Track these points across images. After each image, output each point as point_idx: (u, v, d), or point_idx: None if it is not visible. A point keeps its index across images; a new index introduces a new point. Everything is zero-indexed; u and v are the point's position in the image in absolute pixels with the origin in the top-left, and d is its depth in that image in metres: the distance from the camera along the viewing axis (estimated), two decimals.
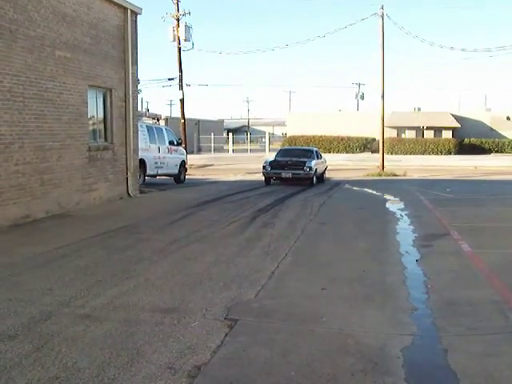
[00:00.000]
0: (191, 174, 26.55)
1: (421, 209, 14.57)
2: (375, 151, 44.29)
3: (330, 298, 6.29)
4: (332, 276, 7.30)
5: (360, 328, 5.31)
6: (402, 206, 15.20)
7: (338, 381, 4.16)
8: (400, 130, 53.56)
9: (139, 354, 4.58)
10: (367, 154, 48.97)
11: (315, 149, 25.18)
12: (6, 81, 10.89)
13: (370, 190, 20.09)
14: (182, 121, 35.65)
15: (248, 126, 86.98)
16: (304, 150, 25.79)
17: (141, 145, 17.90)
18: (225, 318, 5.51)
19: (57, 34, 12.56)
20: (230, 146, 58.55)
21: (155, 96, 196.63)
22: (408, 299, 6.31)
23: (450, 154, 49.23)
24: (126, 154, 16.04)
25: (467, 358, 4.59)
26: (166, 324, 5.31)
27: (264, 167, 21.99)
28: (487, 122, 54.00)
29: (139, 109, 21.22)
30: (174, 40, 34.97)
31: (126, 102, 15.90)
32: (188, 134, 37.40)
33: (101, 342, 4.81)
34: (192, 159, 36.84)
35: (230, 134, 62.52)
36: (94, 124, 14.82)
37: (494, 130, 53.38)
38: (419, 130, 53.36)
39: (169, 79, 37.09)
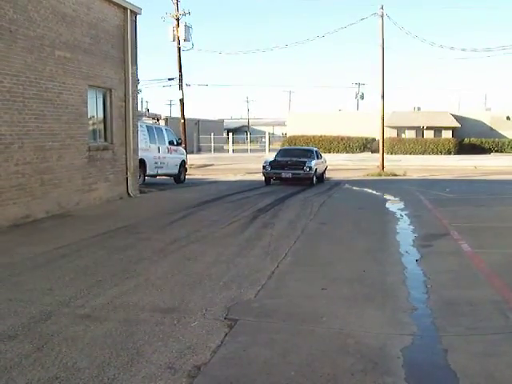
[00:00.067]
0: (191, 174, 26.55)
1: (421, 209, 14.57)
2: (375, 151, 44.31)
3: (330, 298, 6.29)
4: (332, 276, 7.30)
5: (360, 328, 5.31)
6: (402, 206, 15.20)
7: (338, 381, 4.16)
8: (400, 129, 53.57)
9: (139, 353, 4.58)
10: (367, 154, 48.99)
11: (315, 149, 25.19)
12: (6, 81, 10.89)
13: (369, 190, 20.09)
14: (182, 121, 35.65)
15: (248, 126, 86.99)
16: (304, 149, 25.79)
17: (141, 145, 17.91)
18: (225, 318, 5.51)
19: (56, 34, 12.56)
20: (230, 146, 58.55)
21: (155, 96, 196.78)
22: (408, 299, 6.31)
23: (449, 153, 49.26)
24: (126, 154, 16.04)
25: (467, 358, 4.59)
26: (166, 324, 5.31)
27: (264, 167, 21.99)
28: (487, 121, 54.00)
29: (139, 109, 21.24)
30: (174, 40, 34.97)
31: (125, 101, 15.91)
32: (188, 133, 37.40)
33: (101, 342, 4.82)
34: (192, 159, 36.84)
35: (230, 134, 62.53)
36: (93, 124, 14.82)
37: (494, 130, 53.39)
38: (419, 130, 53.38)
39: (169, 79, 37.10)
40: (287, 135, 58.10)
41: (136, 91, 17.08)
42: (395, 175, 27.91)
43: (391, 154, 46.13)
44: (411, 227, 11.60)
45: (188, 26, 34.74)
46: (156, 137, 21.27)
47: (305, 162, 21.54)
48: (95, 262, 7.94)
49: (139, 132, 17.63)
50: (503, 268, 7.72)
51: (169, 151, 22.17)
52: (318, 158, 22.98)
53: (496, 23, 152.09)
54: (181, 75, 35.41)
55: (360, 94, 73.54)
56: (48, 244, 9.16)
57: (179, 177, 23.03)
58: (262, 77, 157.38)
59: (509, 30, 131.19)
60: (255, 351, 4.69)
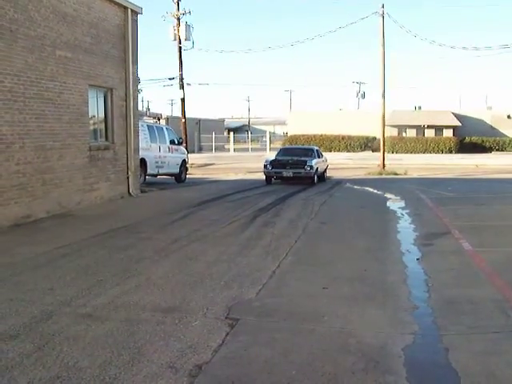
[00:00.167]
0: (192, 174, 26.55)
1: (422, 207, 14.56)
2: (376, 150, 44.26)
3: (331, 297, 6.29)
4: (333, 275, 7.30)
5: (361, 327, 5.31)
6: (403, 205, 15.20)
7: (339, 380, 4.17)
8: (401, 128, 53.55)
9: (140, 353, 4.59)
10: (368, 153, 48.96)
11: (316, 148, 25.17)
12: (7, 81, 10.90)
13: (370, 189, 20.08)
14: (183, 120, 35.64)
15: (249, 125, 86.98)
16: (305, 148, 25.79)
17: (142, 144, 17.91)
18: (226, 318, 5.51)
19: (57, 34, 12.57)
20: (231, 145, 58.55)
21: (156, 95, 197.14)
22: (409, 298, 6.31)
23: (450, 152, 49.25)
24: (127, 154, 16.05)
25: (468, 357, 4.59)
26: (167, 323, 5.32)
27: (265, 166, 21.99)
28: (488, 120, 53.96)
29: (140, 108, 21.24)
30: (175, 39, 34.95)
31: (126, 101, 15.91)
32: (189, 133, 37.40)
33: (102, 342, 4.82)
34: (193, 158, 36.83)
35: (231, 133, 62.56)
36: (94, 123, 14.83)
37: (495, 129, 53.36)
38: (420, 129, 53.36)
39: (169, 79, 37.12)
40: (288, 134, 58.11)
41: (137, 91, 17.09)
42: (396, 174, 27.89)
43: (392, 152, 46.11)
44: (412, 226, 11.59)
45: (189, 26, 34.73)
46: (157, 136, 21.28)
47: (306, 161, 21.53)
48: (96, 261, 7.95)
49: (140, 131, 17.63)
50: (504, 267, 7.72)
51: (170, 150, 22.16)
52: (318, 157, 22.98)
53: (496, 22, 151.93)
54: (181, 74, 35.42)
55: (361, 92, 73.53)
56: (49, 244, 9.16)
57: (180, 176, 23.03)
58: (263, 76, 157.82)
59: (509, 28, 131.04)
60: (256, 350, 4.70)
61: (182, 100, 35.86)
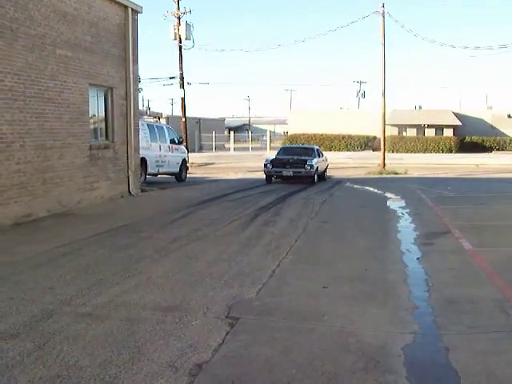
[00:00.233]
0: (192, 173, 26.54)
1: (422, 207, 14.56)
2: (376, 149, 44.25)
3: (331, 297, 6.29)
4: (333, 274, 7.30)
5: (361, 326, 5.31)
6: (403, 204, 15.20)
7: (339, 379, 4.17)
8: (401, 128, 53.53)
9: (140, 352, 4.59)
10: (368, 152, 48.94)
11: (316, 147, 25.17)
12: (7, 80, 10.90)
13: (371, 189, 20.08)
14: (183, 119, 35.61)
15: (249, 125, 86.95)
16: (305, 148, 25.79)
17: (142, 143, 17.91)
18: (226, 317, 5.51)
19: (57, 33, 12.56)
20: (231, 145, 58.52)
21: (156, 95, 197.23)
22: (409, 297, 6.31)
23: (451, 152, 49.23)
24: (127, 153, 16.05)
25: (468, 356, 4.59)
26: (168, 322, 5.32)
27: (265, 165, 21.99)
28: (488, 119, 53.92)
29: (140, 107, 21.23)
30: (175, 38, 34.91)
31: (126, 100, 15.91)
32: (189, 132, 37.37)
33: (102, 341, 4.82)
34: (193, 158, 36.84)
35: (231, 133, 62.50)
36: (95, 123, 14.83)
37: (496, 128, 53.31)
38: (420, 128, 53.34)
39: (170, 78, 37.07)
40: (288, 133, 58.07)
41: (137, 90, 17.09)
42: (396, 173, 27.89)
43: (392, 152, 46.09)
44: (412, 225, 11.59)
45: (189, 25, 34.69)
46: (157, 135, 21.27)
47: (306, 161, 21.53)
48: (96, 260, 7.95)
49: (140, 130, 17.63)
50: (504, 266, 7.72)
51: (170, 150, 22.15)
52: (319, 157, 22.98)
53: (497, 21, 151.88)
54: (182, 74, 35.38)
55: (361, 92, 73.50)
56: (49, 243, 9.17)
57: (180, 175, 23.02)
58: (263, 75, 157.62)
59: (510, 28, 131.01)
60: (256, 350, 4.70)
61: (183, 99, 35.83)
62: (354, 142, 53.83)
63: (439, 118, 52.53)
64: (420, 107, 59.08)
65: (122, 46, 15.64)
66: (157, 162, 20.76)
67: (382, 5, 29.39)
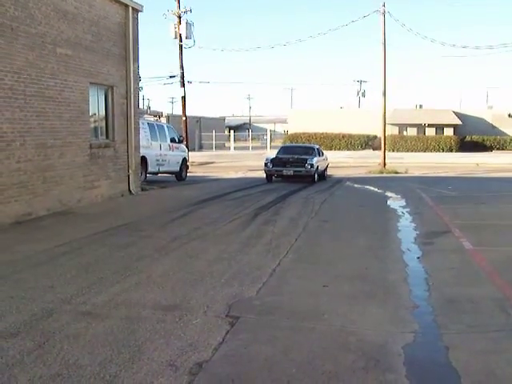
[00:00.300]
0: (192, 172, 26.55)
1: (422, 206, 14.56)
2: (377, 148, 44.25)
3: (332, 296, 6.29)
4: (333, 273, 7.30)
5: (361, 325, 5.31)
6: (404, 204, 15.19)
7: (339, 378, 4.17)
8: (402, 127, 53.53)
9: (141, 351, 4.59)
10: (369, 152, 48.94)
11: (317, 146, 25.16)
12: (8, 78, 10.89)
13: (371, 188, 20.08)
14: (184, 118, 35.58)
15: (249, 124, 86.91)
16: (305, 147, 25.79)
17: (142, 142, 17.90)
18: (226, 316, 5.51)
19: (58, 32, 12.56)
20: (232, 144, 58.51)
21: (157, 94, 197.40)
22: (409, 296, 6.31)
23: (451, 151, 49.24)
24: (128, 152, 16.04)
25: (468, 356, 4.59)
26: (168, 321, 5.32)
27: (265, 164, 21.99)
28: (489, 119, 53.92)
29: (141, 106, 21.22)
30: (176, 37, 34.86)
31: (127, 99, 15.91)
32: (189, 131, 37.33)
33: (102, 340, 4.82)
34: (193, 156, 36.83)
35: (232, 132, 62.49)
36: (95, 121, 14.83)
37: (496, 128, 53.31)
38: (421, 128, 53.33)
39: (170, 77, 36.99)
40: (289, 132, 58.04)
41: (137, 88, 17.08)
42: (397, 173, 27.89)
43: (393, 151, 46.11)
44: (413, 225, 11.59)
45: (189, 24, 34.64)
46: (157, 134, 21.26)
47: (306, 160, 21.52)
48: (96, 259, 7.95)
49: (141, 129, 17.63)
50: (504, 266, 7.72)
51: (170, 149, 22.15)
52: (319, 156, 22.97)
53: (497, 20, 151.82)
54: (182, 73, 35.35)
55: (362, 91, 73.42)
56: (49, 241, 9.17)
57: (181, 174, 23.02)
58: (264, 74, 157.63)
59: (510, 27, 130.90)
60: (256, 348, 4.70)
61: (183, 98, 35.81)
62: (355, 141, 53.81)
63: (440, 118, 52.52)
64: (420, 106, 59.04)
65: (122, 44, 15.63)
66: (157, 160, 20.75)
67: (382, 4, 29.39)
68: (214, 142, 57.18)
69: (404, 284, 6.87)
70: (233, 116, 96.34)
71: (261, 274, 7.10)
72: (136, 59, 16.37)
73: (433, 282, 6.87)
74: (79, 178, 13.58)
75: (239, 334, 5.06)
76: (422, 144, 50.86)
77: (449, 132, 52.61)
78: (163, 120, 36.14)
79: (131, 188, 16.22)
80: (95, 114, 14.75)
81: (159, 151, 21.03)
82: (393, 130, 50.98)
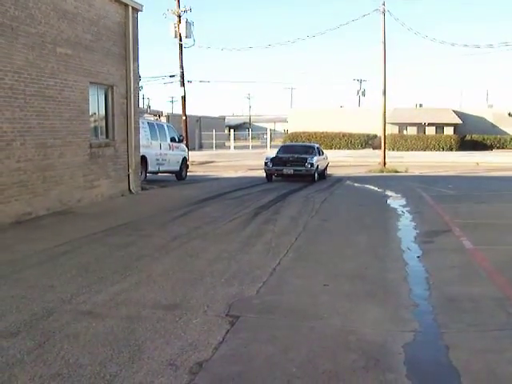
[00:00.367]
0: (193, 171, 26.55)
1: (422, 205, 14.55)
2: (377, 147, 44.23)
3: (332, 295, 6.28)
4: (333, 272, 7.30)
5: (361, 324, 5.31)
6: (404, 203, 15.18)
7: (339, 377, 4.17)
8: (402, 126, 53.52)
9: (141, 350, 4.59)
10: (369, 151, 48.94)
11: (317, 145, 25.16)
12: (8, 78, 10.89)
13: (371, 187, 20.07)
14: (184, 117, 35.57)
15: (249, 123, 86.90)
16: (305, 146, 25.79)
17: (142, 141, 17.90)
18: (226, 315, 5.51)
19: (58, 31, 12.55)
20: (232, 143, 58.52)
21: (156, 93, 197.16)
22: (409, 296, 6.31)
23: (451, 150, 49.25)
24: (128, 151, 16.04)
25: (469, 355, 4.59)
26: (168, 321, 5.32)
27: (265, 164, 21.99)
28: (489, 118, 53.90)
29: (140, 106, 21.21)
30: (176, 37, 34.85)
31: (127, 98, 15.91)
32: (189, 130, 37.33)
33: (102, 339, 4.82)
34: (193, 156, 36.83)
35: (232, 131, 62.49)
36: (95, 121, 14.82)
37: (496, 127, 53.30)
38: (421, 127, 53.32)
39: (170, 76, 37.01)
40: (289, 132, 58.05)
41: (137, 88, 17.08)
42: (397, 172, 27.88)
43: (393, 150, 46.11)
44: (413, 224, 11.59)
45: (189, 23, 34.63)
46: (157, 134, 21.26)
47: (306, 159, 21.52)
48: (97, 258, 7.95)
49: (141, 129, 17.63)
50: (505, 265, 7.71)
51: (170, 148, 22.15)
52: (319, 155, 22.96)
53: (497, 18, 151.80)
54: (182, 72, 35.34)
55: (361, 90, 73.38)
56: (49, 241, 9.17)
57: (181, 174, 23.03)
58: (264, 73, 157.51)
59: (510, 25, 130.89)
60: (256, 348, 4.70)
61: (183, 97, 35.79)
62: (355, 140, 53.81)
63: (440, 117, 52.52)
64: (420, 105, 59.01)
65: (122, 44, 15.63)
66: (157, 160, 20.75)
67: (382, 3, 29.39)
68: (214, 142, 57.17)
69: (404, 283, 6.87)
70: (233, 115, 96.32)
71: (261, 274, 7.10)
72: (136, 59, 16.37)
73: (433, 281, 6.87)
74: (79, 177, 13.58)
75: (239, 333, 5.06)
76: (422, 143, 50.86)
77: (449, 131, 52.60)
78: (163, 119, 36.11)
79: (131, 187, 16.22)
80: (95, 114, 14.75)
81: (159, 150, 21.03)
82: (393, 129, 50.98)
